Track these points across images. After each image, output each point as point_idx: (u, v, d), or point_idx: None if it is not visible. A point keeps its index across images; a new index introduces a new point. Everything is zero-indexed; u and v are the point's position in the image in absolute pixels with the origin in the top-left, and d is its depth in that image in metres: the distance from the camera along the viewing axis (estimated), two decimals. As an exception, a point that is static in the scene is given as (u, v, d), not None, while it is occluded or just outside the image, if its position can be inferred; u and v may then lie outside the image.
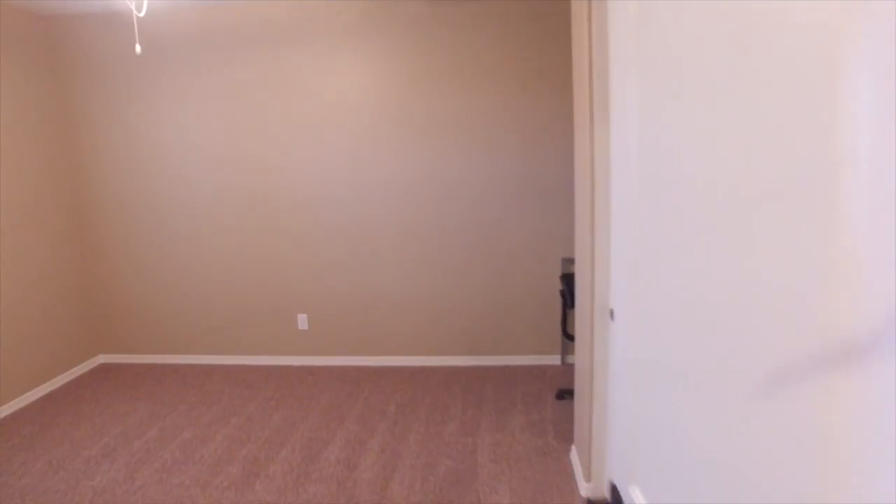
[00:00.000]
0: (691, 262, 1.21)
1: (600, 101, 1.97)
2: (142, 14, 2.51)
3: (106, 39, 3.65)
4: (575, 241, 2.41)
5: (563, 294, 3.24)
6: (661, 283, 1.42)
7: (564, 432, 2.85)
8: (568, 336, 3.22)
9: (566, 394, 3.22)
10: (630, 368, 1.80)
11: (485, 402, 3.23)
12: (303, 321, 3.87)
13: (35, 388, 3.50)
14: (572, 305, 2.94)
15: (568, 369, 3.64)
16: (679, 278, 1.29)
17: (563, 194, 3.54)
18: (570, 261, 3.59)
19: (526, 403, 3.20)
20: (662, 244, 1.40)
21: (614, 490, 2.05)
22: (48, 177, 3.65)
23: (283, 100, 3.61)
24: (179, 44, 3.61)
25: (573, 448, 2.61)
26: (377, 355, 3.86)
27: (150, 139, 3.75)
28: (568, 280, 3.13)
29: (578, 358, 2.41)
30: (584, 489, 2.30)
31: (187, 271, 3.89)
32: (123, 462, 2.71)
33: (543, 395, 3.30)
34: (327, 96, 3.58)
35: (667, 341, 1.40)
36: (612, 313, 2.03)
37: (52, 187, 3.69)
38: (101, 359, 4.07)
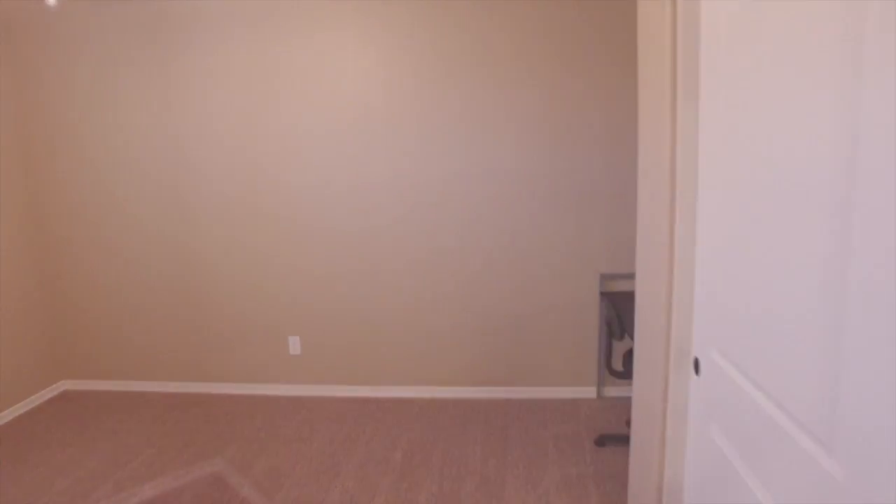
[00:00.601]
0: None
1: (688, 67, 1.40)
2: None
3: (69, 16, 3.13)
4: (637, 259, 1.84)
5: (608, 322, 2.66)
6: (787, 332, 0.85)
7: (612, 494, 2.28)
8: (614, 372, 2.64)
9: (608, 440, 2.65)
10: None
11: (510, 449, 2.67)
12: (294, 344, 3.32)
13: (-20, 424, 2.99)
14: (622, 336, 2.37)
15: (606, 404, 3.06)
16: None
17: (602, 197, 2.96)
18: (610, 277, 3.01)
19: (559, 450, 2.63)
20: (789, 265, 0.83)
21: None
22: (-1, 177, 3.14)
23: (273, 87, 3.06)
24: (158, 22, 3.07)
25: (627, 522, 2.04)
26: (380, 385, 3.30)
27: (121, 133, 3.22)
28: (614, 302, 2.56)
29: (641, 416, 1.84)
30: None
31: (164, 286, 3.35)
32: (61, 533, 2.18)
33: (579, 438, 2.73)
34: (325, 83, 3.03)
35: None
36: (696, 364, 1.46)
37: (4, 186, 3.17)
38: (65, 385, 3.54)
